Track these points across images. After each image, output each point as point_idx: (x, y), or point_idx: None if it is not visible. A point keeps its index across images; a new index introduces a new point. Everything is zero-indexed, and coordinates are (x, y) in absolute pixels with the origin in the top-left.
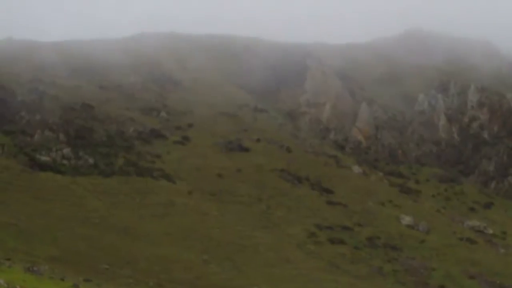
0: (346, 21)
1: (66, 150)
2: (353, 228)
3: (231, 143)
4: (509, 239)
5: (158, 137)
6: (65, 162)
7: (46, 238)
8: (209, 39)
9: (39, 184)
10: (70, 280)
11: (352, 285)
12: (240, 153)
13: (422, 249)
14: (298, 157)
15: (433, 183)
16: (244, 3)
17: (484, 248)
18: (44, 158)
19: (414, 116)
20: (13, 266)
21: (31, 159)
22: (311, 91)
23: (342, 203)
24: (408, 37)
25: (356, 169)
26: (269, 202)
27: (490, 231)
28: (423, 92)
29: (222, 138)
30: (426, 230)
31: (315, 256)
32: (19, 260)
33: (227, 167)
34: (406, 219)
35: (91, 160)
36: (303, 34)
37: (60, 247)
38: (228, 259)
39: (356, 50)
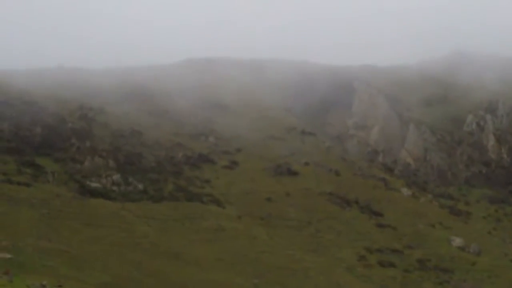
0: (393, 43)
1: (116, 176)
2: (403, 250)
3: (279, 167)
4: None
5: (207, 162)
6: (115, 188)
7: (97, 264)
8: (257, 64)
9: (90, 211)
10: None
11: None
12: (288, 177)
13: (474, 271)
14: (346, 180)
15: (483, 204)
16: (292, 27)
17: None
18: (95, 185)
19: (463, 137)
20: None
21: (81, 186)
22: (359, 113)
23: (392, 225)
24: (455, 57)
25: (405, 191)
26: (319, 225)
27: None
28: (472, 112)
29: (271, 162)
30: (477, 252)
31: (365, 280)
32: (70, 287)
33: (276, 191)
34: (457, 241)
35: (140, 186)
36: (350, 57)
37: (111, 273)
38: (278, 283)
39: (403, 72)
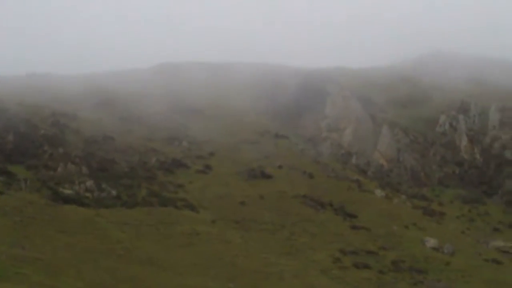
0: (365, 45)
1: (89, 183)
2: (377, 252)
3: (253, 170)
4: None
5: (180, 167)
6: (88, 194)
7: (71, 271)
8: (231, 67)
9: (63, 218)
10: None
11: None
12: (262, 180)
13: (448, 271)
14: (320, 182)
15: (457, 205)
16: (263, 30)
17: (510, 269)
18: (68, 191)
19: (436, 138)
20: None
21: (54, 193)
22: (331, 116)
23: (366, 227)
24: (428, 58)
25: (379, 192)
26: (293, 228)
27: None
28: (444, 113)
29: (244, 166)
30: (451, 252)
31: (340, 282)
32: None
33: (250, 195)
34: (431, 242)
35: (114, 192)
36: (322, 59)
37: (85, 280)
38: (253, 287)
39: (376, 73)
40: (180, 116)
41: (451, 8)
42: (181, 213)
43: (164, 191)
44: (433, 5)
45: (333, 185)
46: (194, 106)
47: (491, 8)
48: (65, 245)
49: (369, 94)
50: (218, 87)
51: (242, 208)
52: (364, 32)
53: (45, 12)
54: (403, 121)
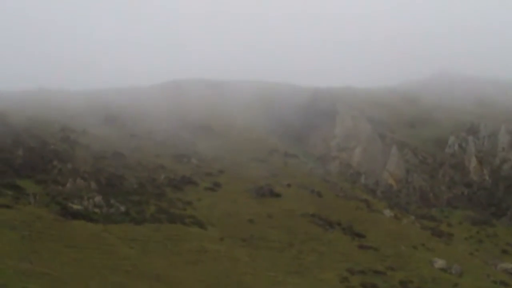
0: (376, 65)
1: (98, 198)
2: (385, 272)
3: (261, 188)
4: None
5: (189, 184)
6: (96, 210)
7: (78, 287)
8: (240, 85)
9: (71, 233)
10: None
11: None
12: (271, 199)
13: None
14: (329, 201)
15: (465, 226)
16: (274, 49)
17: None
18: (76, 207)
19: (445, 159)
20: None
21: (63, 208)
22: (341, 135)
23: (374, 247)
24: (437, 80)
25: (388, 213)
26: (301, 247)
27: None
28: (454, 134)
29: (253, 184)
30: (459, 273)
31: None
32: None
33: (258, 213)
34: (439, 263)
35: (122, 208)
36: (332, 78)
37: None
38: None
39: (386, 94)
40: (188, 133)
41: (462, 31)
42: (189, 230)
43: (173, 207)
44: (445, 26)
45: (341, 205)
46: (202, 123)
47: (495, 30)
48: (73, 260)
49: (378, 114)
50: (225, 104)
51: (250, 226)
52: (372, 53)
53: (51, 28)
54: (412, 142)
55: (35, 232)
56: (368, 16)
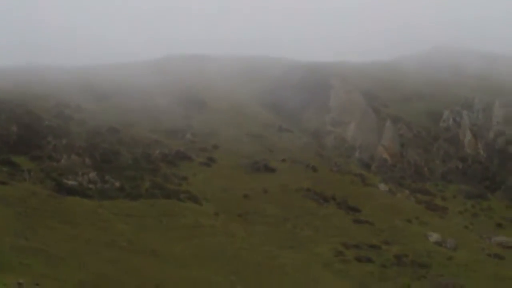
0: (371, 39)
1: (92, 174)
2: (380, 246)
3: (256, 163)
4: None
5: (184, 159)
6: (91, 186)
7: (74, 262)
8: (234, 60)
9: (66, 209)
10: None
11: None
12: (265, 174)
13: (451, 266)
14: (323, 176)
15: (460, 200)
16: (267, 23)
17: None
18: (71, 183)
19: (439, 133)
20: None
21: (58, 184)
22: (335, 110)
23: (369, 221)
24: (435, 53)
25: (382, 187)
26: (296, 221)
27: None
28: (448, 108)
29: (248, 159)
30: (454, 247)
31: (343, 275)
32: (47, 286)
33: (253, 188)
34: (434, 236)
35: (117, 184)
36: (326, 52)
37: (88, 272)
38: (256, 280)
39: (380, 68)
40: (184, 109)
41: (456, 3)
42: (184, 205)
43: (168, 183)
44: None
45: (336, 179)
46: (196, 99)
47: (495, 2)
48: (68, 236)
49: (373, 89)
50: (219, 80)
51: (245, 201)
52: (367, 26)
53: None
54: (406, 116)
55: (30, 208)
56: None
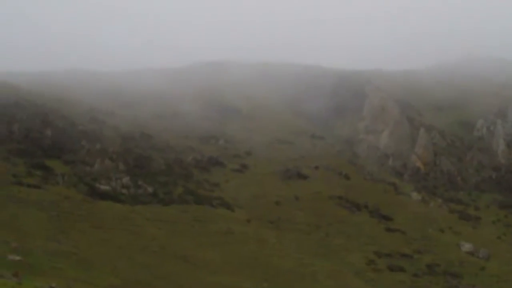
0: (403, 48)
1: (126, 179)
2: (412, 255)
3: (289, 170)
4: None
5: (217, 165)
6: (124, 191)
7: (106, 267)
8: (268, 67)
9: (99, 213)
10: None
11: None
12: (298, 181)
13: (483, 276)
14: (356, 184)
15: (493, 210)
16: (303, 31)
17: None
18: (104, 187)
19: (473, 142)
20: None
21: (91, 188)
22: (369, 118)
23: (401, 230)
24: (467, 62)
25: (415, 195)
26: (328, 229)
27: None
28: (482, 117)
29: (280, 166)
30: (486, 257)
31: (374, 284)
32: None
33: (285, 195)
34: (466, 246)
35: (150, 189)
36: (361, 60)
37: (120, 276)
38: (287, 287)
39: (414, 76)
40: (217, 115)
41: (493, 12)
42: (217, 211)
43: (200, 189)
44: (476, 7)
45: (369, 187)
46: (231, 105)
47: None
48: (101, 241)
49: (407, 97)
50: (254, 86)
51: (277, 208)
52: (402, 35)
53: (88, 8)
54: (440, 125)
55: (63, 212)
56: None
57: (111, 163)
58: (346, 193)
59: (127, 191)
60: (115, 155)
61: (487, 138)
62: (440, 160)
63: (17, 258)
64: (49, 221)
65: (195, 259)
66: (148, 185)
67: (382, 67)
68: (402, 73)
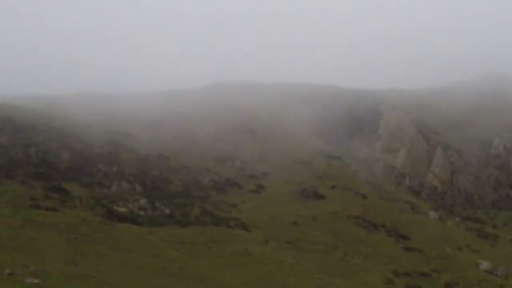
0: (419, 66)
1: (143, 201)
2: (431, 274)
3: (305, 190)
4: None
5: (233, 186)
6: (141, 213)
7: None
8: (282, 87)
9: (117, 235)
10: None
11: None
12: (315, 201)
13: None
14: (373, 203)
15: (511, 227)
16: (317, 51)
17: None
18: (121, 209)
19: (490, 160)
20: None
21: (108, 211)
22: (385, 137)
23: (419, 249)
24: (481, 80)
25: (432, 214)
26: (346, 249)
27: None
28: (499, 135)
29: (297, 186)
30: (505, 275)
31: None
32: None
33: (302, 215)
34: (484, 264)
35: (167, 211)
36: (376, 80)
37: None
38: None
39: (430, 95)
40: (233, 136)
41: (505, 31)
42: (234, 232)
43: (217, 210)
44: (487, 27)
45: (386, 207)
46: (246, 126)
47: None
48: (119, 263)
49: (422, 115)
50: (269, 107)
51: (294, 228)
52: (416, 53)
53: (103, 31)
54: (456, 143)
55: (80, 235)
56: (413, 15)
57: (128, 185)
58: (363, 212)
59: (144, 213)
60: (132, 177)
61: (504, 156)
62: (457, 178)
63: (36, 281)
64: (67, 244)
65: (213, 280)
66: (165, 206)
67: (397, 86)
68: (417, 92)
